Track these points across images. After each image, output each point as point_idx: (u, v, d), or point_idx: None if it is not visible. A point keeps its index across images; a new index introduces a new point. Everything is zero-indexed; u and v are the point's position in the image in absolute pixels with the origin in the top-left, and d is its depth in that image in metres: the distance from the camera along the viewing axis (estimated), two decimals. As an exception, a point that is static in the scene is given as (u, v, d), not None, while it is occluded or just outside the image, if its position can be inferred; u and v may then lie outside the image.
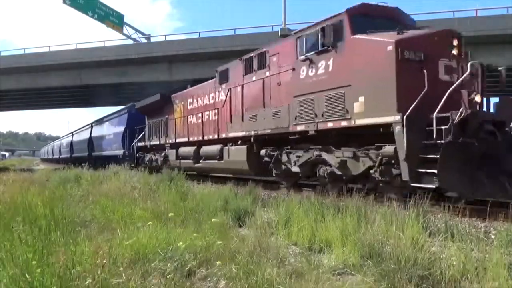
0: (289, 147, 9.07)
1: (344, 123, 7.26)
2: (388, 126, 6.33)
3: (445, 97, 5.77)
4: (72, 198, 7.44)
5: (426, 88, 6.02)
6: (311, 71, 8.00)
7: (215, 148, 11.92)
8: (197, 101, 13.95)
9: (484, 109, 6.86)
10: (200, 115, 13.35)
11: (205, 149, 12.72)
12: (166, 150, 15.93)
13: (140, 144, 19.26)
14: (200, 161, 13.08)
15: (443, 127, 5.60)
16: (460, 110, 5.60)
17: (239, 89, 10.89)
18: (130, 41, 33.17)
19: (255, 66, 10.21)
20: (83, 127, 34.34)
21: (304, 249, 4.12)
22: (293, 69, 8.55)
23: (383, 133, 6.51)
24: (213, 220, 4.63)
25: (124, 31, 33.63)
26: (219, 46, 24.58)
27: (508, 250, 3.45)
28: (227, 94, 11.49)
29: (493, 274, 2.82)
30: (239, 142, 10.78)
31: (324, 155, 7.90)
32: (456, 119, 5.57)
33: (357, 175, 7.28)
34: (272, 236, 4.62)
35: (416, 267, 2.94)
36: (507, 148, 5.93)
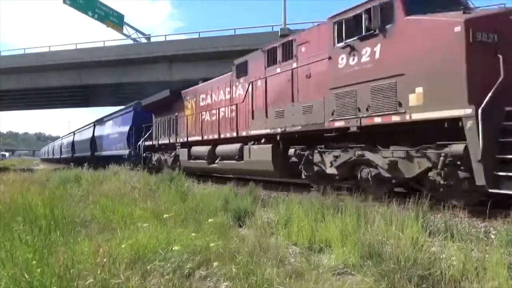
0: (322, 146, 8.12)
1: (395, 118, 6.29)
2: (454, 121, 5.48)
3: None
4: (72, 198, 7.44)
5: (502, 76, 5.19)
6: (353, 60, 7.05)
7: (233, 147, 11.01)
8: (211, 97, 13.02)
9: None
10: (214, 111, 12.42)
11: (221, 148, 11.79)
12: (177, 150, 14.98)
13: (147, 143, 18.18)
14: (216, 162, 12.09)
15: None
16: None
17: (260, 82, 9.99)
18: (130, 41, 33.25)
19: (279, 57, 9.31)
20: (85, 126, 33.50)
21: (304, 249, 4.12)
22: (329, 58, 7.58)
23: (442, 130, 5.69)
24: (209, 220, 4.62)
25: (124, 31, 33.69)
26: (219, 46, 24.60)
27: (508, 250, 3.45)
28: (247, 88, 10.53)
29: (493, 274, 2.82)
30: (263, 140, 9.83)
31: (369, 155, 6.94)
32: None
33: (410, 178, 6.38)
34: (272, 236, 4.62)
35: (416, 267, 2.94)
36: None
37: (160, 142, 16.63)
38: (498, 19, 5.79)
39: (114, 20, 32.59)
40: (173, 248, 3.50)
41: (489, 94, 5.11)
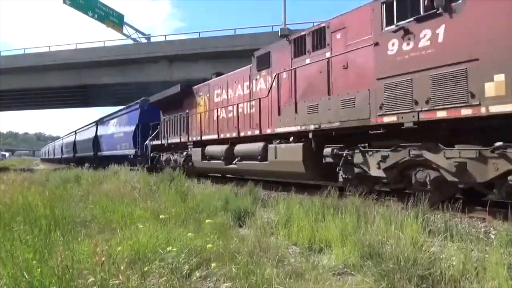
0: (365, 144, 7.14)
1: (466, 112, 5.37)
2: None
3: None
4: (72, 198, 7.44)
5: None
6: (407, 45, 6.17)
7: (255, 146, 10.06)
8: (227, 92, 12.09)
9: None
10: (231, 108, 11.56)
11: (241, 147, 10.84)
12: (189, 150, 14.04)
13: (154, 142, 17.08)
14: (234, 162, 11.09)
15: None
16: None
17: (286, 75, 9.11)
18: (130, 41, 33.31)
19: (308, 46, 8.46)
20: (87, 125, 32.93)
21: (304, 249, 4.12)
22: (375, 45, 6.71)
23: None
24: (207, 221, 4.62)
25: (124, 31, 33.74)
26: (219, 46, 24.64)
27: (508, 250, 3.45)
28: (272, 82, 9.60)
29: (492, 274, 2.82)
30: (291, 138, 8.89)
31: (428, 155, 5.98)
32: None
33: (482, 183, 5.46)
34: (272, 236, 4.62)
35: (415, 267, 2.94)
36: None
37: (170, 141, 15.68)
38: None
39: (114, 20, 32.64)
40: (173, 249, 3.50)
41: None
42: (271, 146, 9.42)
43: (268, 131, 9.74)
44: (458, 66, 5.48)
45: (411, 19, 6.16)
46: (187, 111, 14.58)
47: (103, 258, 2.93)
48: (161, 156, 16.39)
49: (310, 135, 8.27)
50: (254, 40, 23.86)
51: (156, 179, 9.85)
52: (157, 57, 26.93)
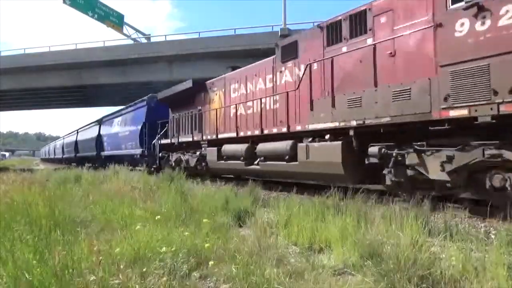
0: (423, 143, 6.13)
1: None
2: None
3: None
4: (72, 198, 7.44)
5: None
6: (482, 24, 5.30)
7: (282, 145, 9.15)
8: (245, 86, 11.26)
9: None
10: (250, 103, 10.78)
11: (264, 146, 9.92)
12: (202, 149, 13.10)
13: (163, 141, 16.15)
14: (256, 163, 10.25)
15: None
16: None
17: (318, 65, 8.24)
18: (130, 41, 33.31)
19: (345, 33, 7.62)
20: (89, 124, 31.99)
21: (304, 249, 4.13)
22: (438, 26, 5.86)
23: None
24: (204, 220, 4.62)
25: (124, 31, 33.77)
26: (219, 46, 24.66)
27: (508, 250, 3.45)
28: (302, 73, 8.66)
29: (492, 274, 2.82)
30: (327, 136, 7.94)
31: (510, 155, 5.06)
32: None
33: None
34: (272, 236, 4.62)
35: (415, 267, 2.94)
36: None
37: (181, 140, 14.72)
38: None
39: (114, 20, 32.67)
40: (171, 249, 3.50)
41: None
42: (301, 145, 8.46)
43: (298, 128, 8.80)
44: None
45: None
46: (200, 107, 13.75)
47: (100, 258, 2.93)
48: (171, 156, 15.52)
49: (351, 132, 7.29)
50: (254, 40, 23.90)
51: (156, 179, 9.85)
52: (157, 57, 26.95)
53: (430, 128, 5.88)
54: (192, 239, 3.96)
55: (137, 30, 34.95)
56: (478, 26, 5.36)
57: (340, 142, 7.48)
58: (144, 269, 3.09)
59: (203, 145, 13.13)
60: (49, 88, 32.04)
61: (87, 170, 15.16)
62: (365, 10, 7.19)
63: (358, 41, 7.29)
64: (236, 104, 11.48)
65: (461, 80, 5.50)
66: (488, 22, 5.27)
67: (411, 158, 6.26)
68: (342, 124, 7.46)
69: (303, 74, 8.65)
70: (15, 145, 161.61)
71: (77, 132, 35.55)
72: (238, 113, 11.35)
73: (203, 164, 12.92)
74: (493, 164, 5.34)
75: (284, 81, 9.58)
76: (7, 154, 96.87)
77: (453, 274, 2.90)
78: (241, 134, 11.07)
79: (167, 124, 16.39)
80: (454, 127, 5.63)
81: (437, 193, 6.26)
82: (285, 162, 8.98)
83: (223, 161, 11.64)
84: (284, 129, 9.21)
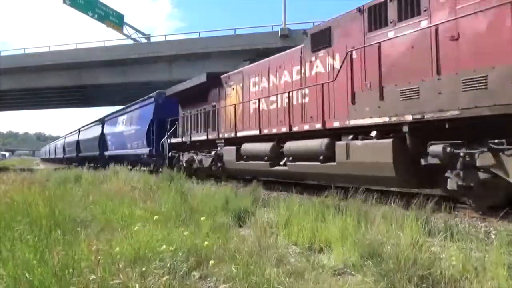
0: (502, 140, 5.00)
1: None
2: None
3: None
4: (72, 198, 7.45)
5: None
6: None
7: (316, 143, 7.99)
8: (268, 79, 10.22)
9: None
10: (274, 98, 9.76)
11: (293, 145, 8.77)
12: (218, 148, 12.07)
13: (173, 140, 15.16)
14: (283, 163, 9.18)
15: None
16: None
17: (356, 54, 7.26)
18: (130, 41, 33.32)
19: (392, 15, 6.64)
20: (91, 123, 31.55)
21: (304, 249, 4.13)
22: None
23: None
24: (202, 218, 4.62)
25: (124, 31, 33.78)
26: (219, 46, 24.68)
27: (508, 250, 3.45)
28: (341, 63, 7.56)
29: (492, 274, 2.82)
30: (373, 133, 6.83)
31: None
32: None
33: None
34: (272, 236, 4.62)
35: (416, 267, 2.94)
36: None
37: (193, 138, 13.66)
38: None
39: (114, 20, 32.68)
40: (170, 248, 3.50)
41: None
42: (340, 144, 7.36)
43: (336, 124, 7.62)
44: None
45: None
46: (214, 103, 12.76)
47: (99, 257, 2.93)
48: (181, 156, 14.44)
49: (405, 129, 6.19)
50: (254, 40, 23.92)
51: (156, 179, 9.85)
52: (157, 57, 26.96)
53: None
54: (192, 239, 3.96)
55: (137, 30, 34.97)
56: None
57: (390, 140, 6.41)
58: (144, 269, 3.09)
59: (219, 144, 12.13)
60: (49, 88, 32.05)
61: (87, 170, 15.15)
62: None
63: (410, 24, 6.34)
64: (258, 99, 10.35)
65: None
66: None
67: (485, 159, 5.22)
68: (393, 119, 6.32)
69: (341, 64, 7.59)
70: (15, 145, 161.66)
71: (79, 132, 34.99)
72: (261, 109, 10.25)
73: (219, 164, 11.99)
74: None
75: (315, 72, 8.55)
76: (7, 154, 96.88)
77: (453, 274, 2.90)
78: (265, 131, 9.94)
79: (176, 122, 15.51)
80: None
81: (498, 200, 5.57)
82: (319, 163, 7.85)
83: (242, 161, 10.65)
84: (318, 126, 8.07)
